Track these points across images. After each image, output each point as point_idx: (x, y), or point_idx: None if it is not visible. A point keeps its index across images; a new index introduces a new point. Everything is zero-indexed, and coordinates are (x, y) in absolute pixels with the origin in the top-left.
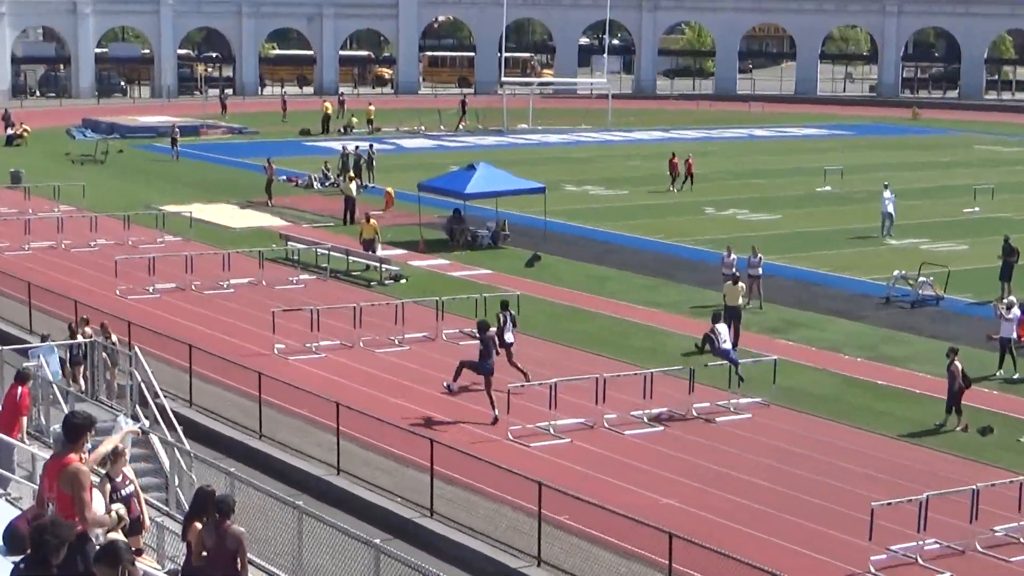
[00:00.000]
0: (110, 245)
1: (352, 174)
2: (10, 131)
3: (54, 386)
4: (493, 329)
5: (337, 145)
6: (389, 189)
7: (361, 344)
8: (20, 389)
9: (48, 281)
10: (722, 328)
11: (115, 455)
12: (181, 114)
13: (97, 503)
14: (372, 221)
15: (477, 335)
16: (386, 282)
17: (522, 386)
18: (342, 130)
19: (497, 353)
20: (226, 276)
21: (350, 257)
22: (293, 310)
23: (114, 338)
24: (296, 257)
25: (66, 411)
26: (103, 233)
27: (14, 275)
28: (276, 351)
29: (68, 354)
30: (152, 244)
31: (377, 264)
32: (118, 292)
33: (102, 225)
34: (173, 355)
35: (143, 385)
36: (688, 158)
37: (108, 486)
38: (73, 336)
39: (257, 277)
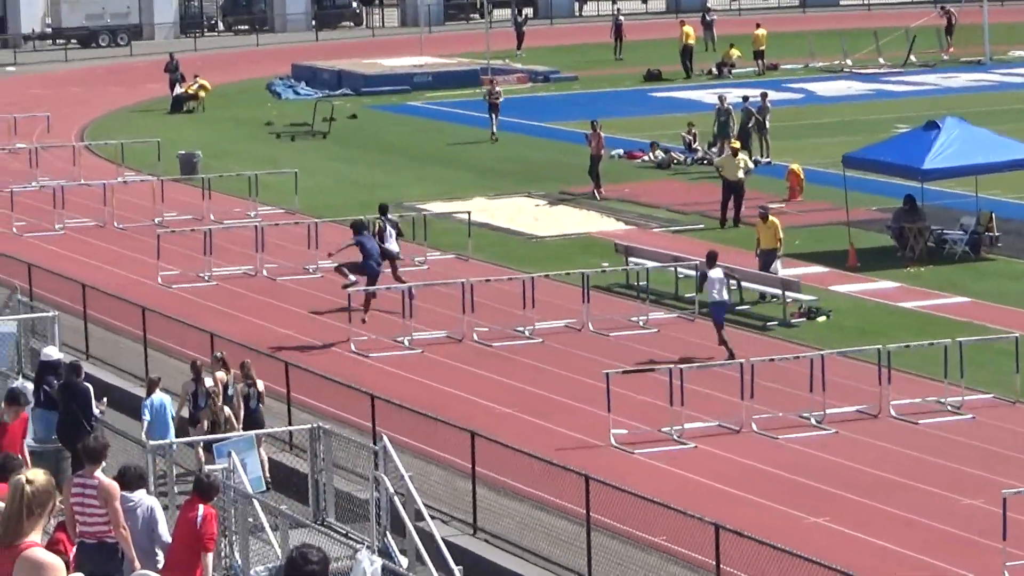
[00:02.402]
0: None
1: (736, 143)
2: (179, 89)
3: (255, 502)
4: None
5: (709, 96)
6: (795, 166)
7: (754, 426)
8: (202, 509)
9: (240, 330)
10: (716, 274)
11: None
12: (449, 52)
13: None
14: (771, 219)
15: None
16: (794, 321)
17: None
18: (715, 70)
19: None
20: (528, 318)
21: (733, 281)
22: (640, 371)
23: (260, 386)
24: (643, 283)
25: (275, 542)
26: (328, 250)
27: (188, 322)
28: (613, 440)
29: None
30: (407, 267)
31: (779, 291)
32: (353, 348)
33: (327, 237)
34: (444, 449)
35: (396, 499)
36: None
37: None
38: (199, 383)
39: (579, 318)
